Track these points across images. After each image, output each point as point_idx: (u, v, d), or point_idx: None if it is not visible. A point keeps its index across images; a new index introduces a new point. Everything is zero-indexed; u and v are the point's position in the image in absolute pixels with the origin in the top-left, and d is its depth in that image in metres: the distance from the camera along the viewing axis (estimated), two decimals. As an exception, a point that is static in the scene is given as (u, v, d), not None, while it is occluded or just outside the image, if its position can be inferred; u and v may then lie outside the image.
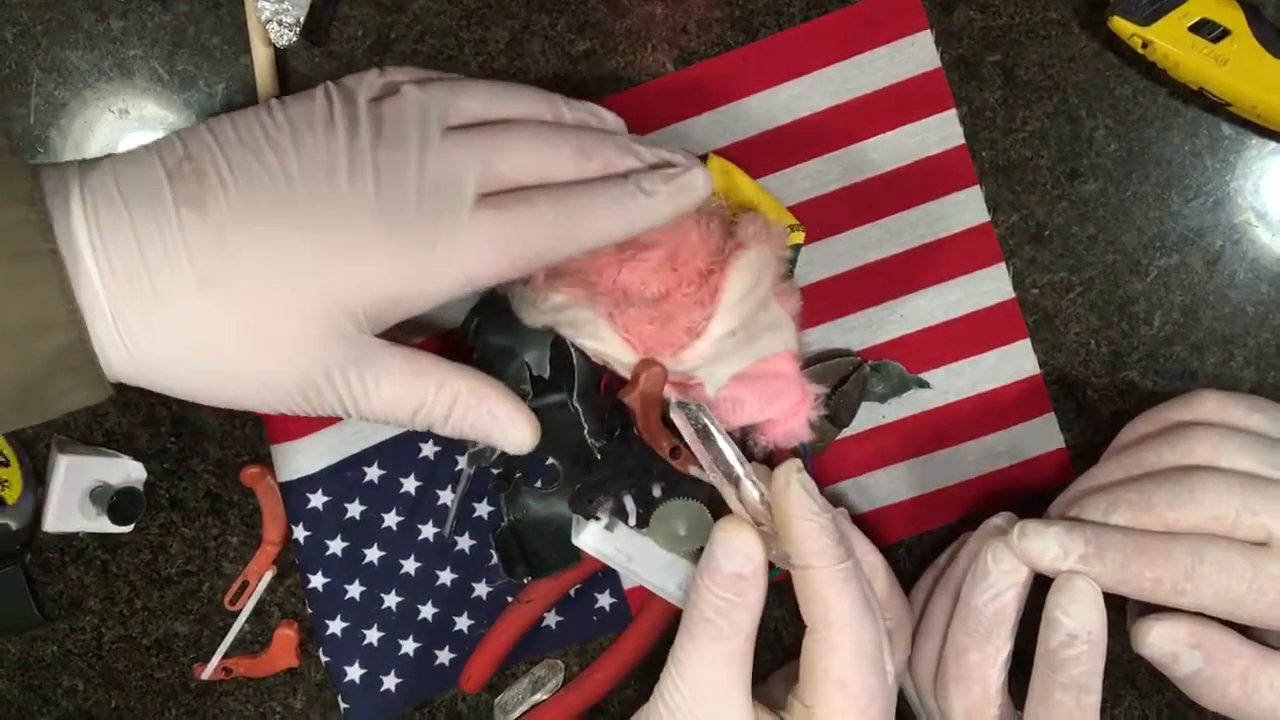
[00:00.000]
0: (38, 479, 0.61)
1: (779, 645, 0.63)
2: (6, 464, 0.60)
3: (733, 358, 0.53)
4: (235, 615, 0.63)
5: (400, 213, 0.43)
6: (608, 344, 0.52)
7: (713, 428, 0.51)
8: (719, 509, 0.56)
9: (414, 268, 0.43)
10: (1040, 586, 0.50)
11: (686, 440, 0.52)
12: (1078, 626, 0.48)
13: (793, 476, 0.50)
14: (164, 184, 0.43)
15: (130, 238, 0.42)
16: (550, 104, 0.49)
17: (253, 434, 0.62)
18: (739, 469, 0.51)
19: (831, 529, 0.49)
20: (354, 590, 0.62)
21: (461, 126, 0.46)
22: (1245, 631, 0.50)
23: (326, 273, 0.43)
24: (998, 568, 0.51)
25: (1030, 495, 0.61)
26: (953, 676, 0.52)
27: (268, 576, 0.63)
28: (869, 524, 0.62)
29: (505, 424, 0.48)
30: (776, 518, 0.50)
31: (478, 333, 0.57)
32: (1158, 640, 0.49)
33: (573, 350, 0.55)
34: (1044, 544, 0.49)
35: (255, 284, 0.42)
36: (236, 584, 0.63)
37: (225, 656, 0.63)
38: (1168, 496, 0.49)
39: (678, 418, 0.52)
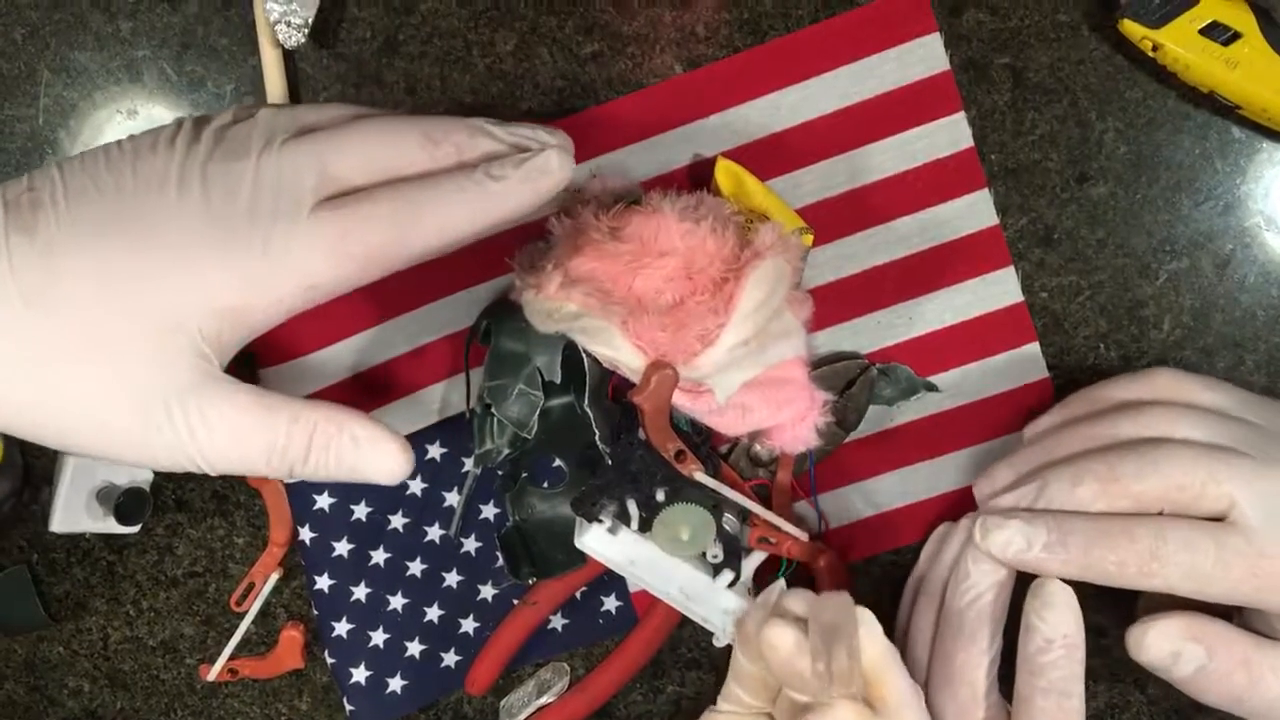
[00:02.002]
0: (20, 446, 0.61)
1: (785, 649, 0.63)
2: None
3: (744, 366, 0.53)
4: (241, 617, 0.63)
5: (231, 221, 0.41)
6: (620, 351, 0.52)
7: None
8: (722, 515, 0.56)
9: (247, 276, 0.41)
10: (1024, 586, 0.50)
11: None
12: (1053, 631, 0.48)
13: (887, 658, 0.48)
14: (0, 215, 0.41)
15: None
16: (466, 130, 0.45)
17: (259, 435, 0.62)
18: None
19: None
20: (360, 592, 0.62)
21: (309, 131, 0.44)
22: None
23: (155, 286, 0.41)
24: (977, 569, 0.51)
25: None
26: (941, 679, 0.52)
27: (274, 578, 0.63)
28: (877, 528, 0.61)
29: (371, 450, 0.44)
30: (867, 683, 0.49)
31: (489, 338, 0.58)
32: (1155, 641, 0.48)
33: (584, 356, 0.55)
34: (1007, 536, 0.49)
35: (82, 298, 0.40)
36: (243, 585, 0.63)
37: (231, 658, 0.63)
38: (1134, 467, 0.48)
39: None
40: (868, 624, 0.47)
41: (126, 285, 0.41)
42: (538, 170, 0.43)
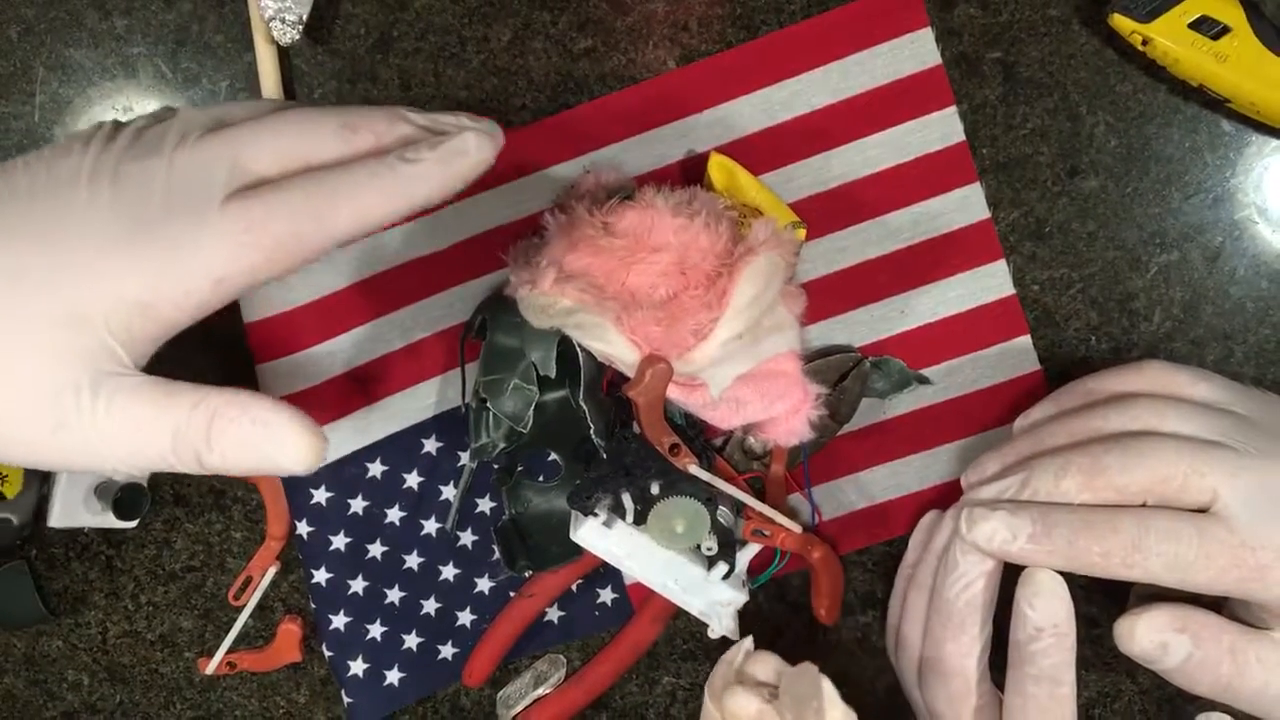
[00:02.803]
0: (41, 475, 0.62)
1: (779, 642, 0.64)
2: None
3: (738, 359, 0.53)
4: (239, 610, 0.63)
5: (141, 216, 0.41)
6: (614, 345, 0.52)
7: None
8: (716, 508, 0.57)
9: (154, 269, 0.40)
10: (1014, 574, 0.51)
11: None
12: (1043, 620, 0.48)
13: None
14: None
15: None
16: (385, 118, 0.44)
17: (256, 430, 0.62)
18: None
19: None
20: (357, 585, 0.62)
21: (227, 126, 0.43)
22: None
23: (60, 280, 0.40)
24: (966, 559, 0.51)
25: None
26: (933, 669, 0.53)
27: (271, 572, 0.63)
28: (871, 520, 0.62)
29: (279, 432, 0.41)
30: None
31: (484, 333, 0.58)
32: (1144, 633, 0.49)
33: (579, 350, 0.56)
34: (992, 527, 0.49)
35: None
36: (240, 579, 0.63)
37: (229, 651, 0.64)
38: (1118, 460, 0.49)
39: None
40: (829, 695, 0.49)
41: (32, 282, 0.40)
42: (454, 152, 0.42)
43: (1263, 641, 0.49)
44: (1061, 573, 0.49)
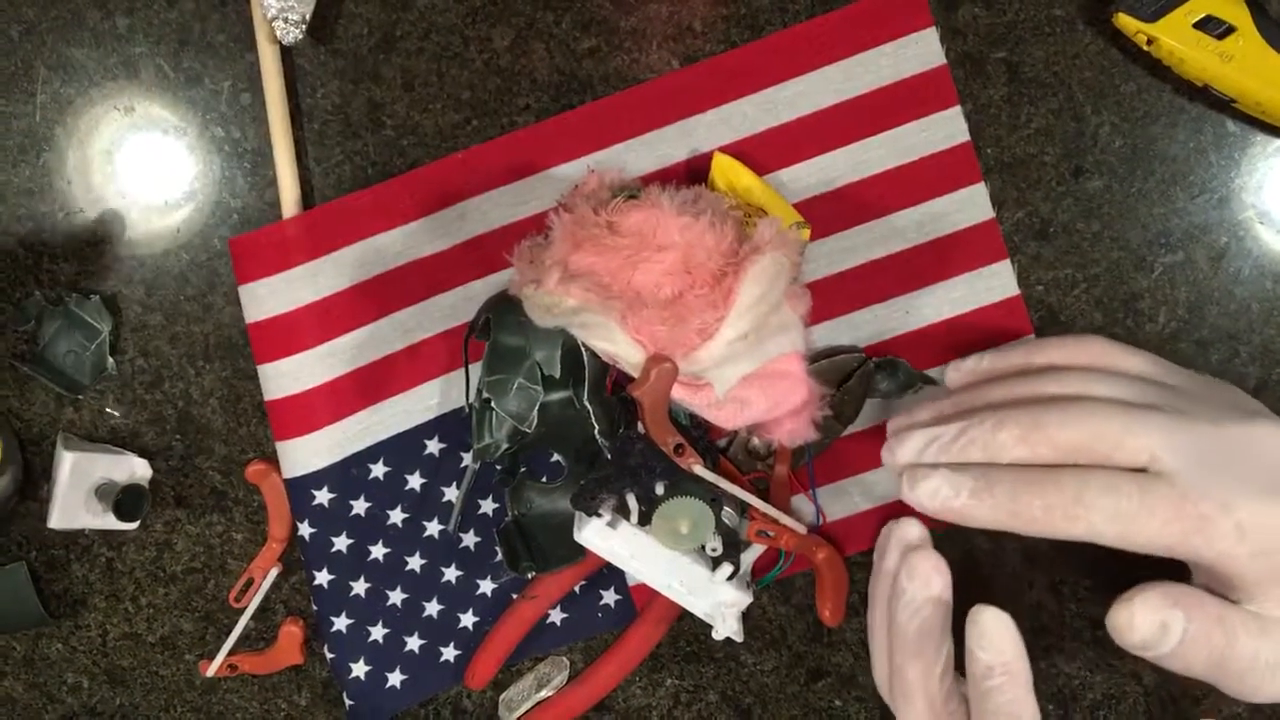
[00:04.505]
0: (26, 462, 0.61)
1: (783, 643, 0.63)
2: None
3: (743, 359, 0.53)
4: (240, 612, 0.63)
5: None
6: (619, 345, 0.52)
7: None
8: (720, 508, 0.56)
9: None
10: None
11: None
12: (992, 659, 0.48)
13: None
14: None
15: None
16: None
17: (258, 431, 0.62)
18: None
19: None
20: (359, 587, 0.62)
21: None
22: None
23: None
24: (912, 585, 0.51)
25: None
26: (899, 692, 0.52)
27: (273, 573, 0.63)
28: (875, 521, 0.62)
29: None
30: None
31: (488, 333, 0.58)
32: (1143, 616, 0.47)
33: (584, 350, 0.55)
34: (934, 484, 0.48)
35: None
36: (241, 581, 0.63)
37: (230, 653, 0.63)
38: (1055, 417, 0.48)
39: None
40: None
41: None
42: None
43: (1240, 611, 0.48)
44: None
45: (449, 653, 0.63)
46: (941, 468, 0.49)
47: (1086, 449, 0.48)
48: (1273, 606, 0.48)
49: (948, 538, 0.62)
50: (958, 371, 0.57)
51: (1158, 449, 0.47)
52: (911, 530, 0.54)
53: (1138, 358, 0.53)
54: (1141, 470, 0.48)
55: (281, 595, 0.64)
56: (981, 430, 0.49)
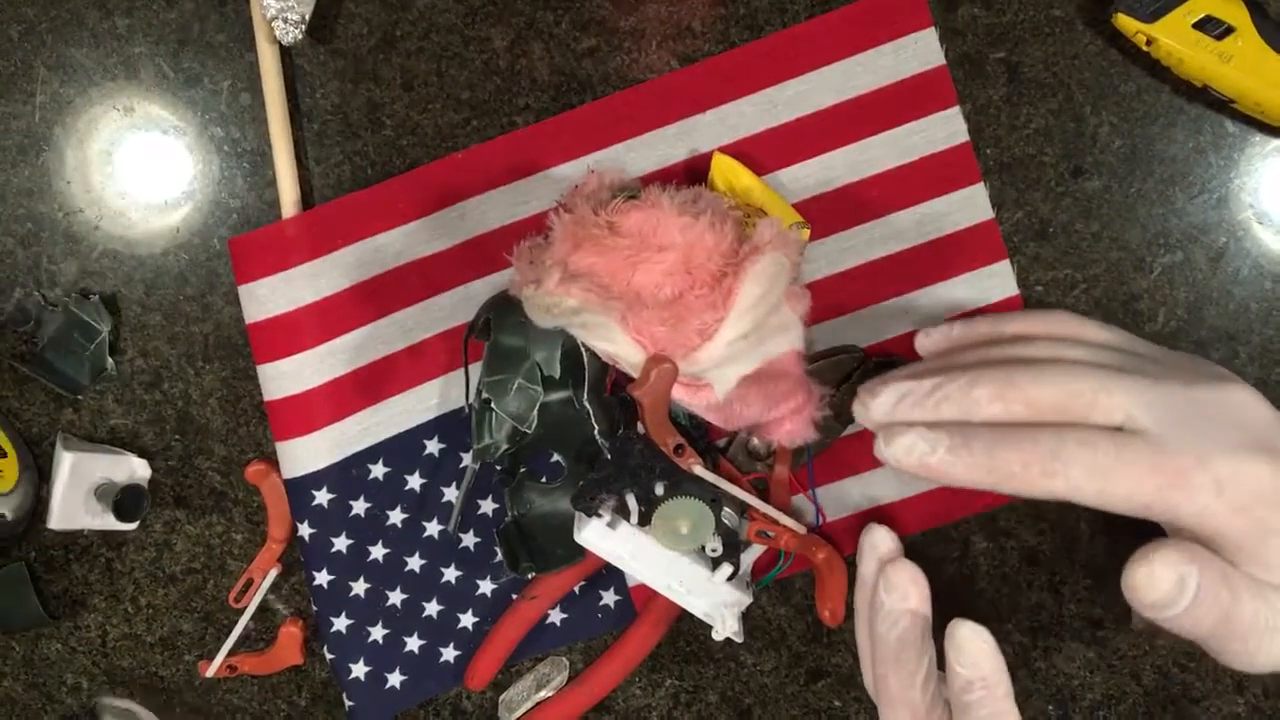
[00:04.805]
0: (40, 475, 0.62)
1: (783, 644, 0.63)
2: (3, 454, 0.60)
3: (742, 360, 0.53)
4: (240, 613, 0.63)
5: None
6: (619, 345, 0.52)
7: None
8: (720, 509, 0.56)
9: None
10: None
11: None
12: (970, 674, 0.48)
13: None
14: None
15: None
16: None
17: (257, 431, 0.62)
18: None
19: None
20: (359, 587, 0.62)
21: None
22: None
23: None
24: (889, 598, 0.51)
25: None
26: (883, 701, 0.52)
27: (272, 574, 0.63)
28: (874, 521, 0.61)
29: None
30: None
31: (488, 333, 0.58)
32: (1162, 572, 0.46)
33: (583, 350, 0.55)
34: (910, 440, 0.48)
35: None
36: (241, 581, 0.63)
37: (230, 654, 0.63)
38: (1029, 375, 0.48)
39: None
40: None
41: None
42: None
43: (1238, 570, 0.47)
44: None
45: (449, 653, 0.63)
46: (917, 425, 0.48)
47: (1061, 407, 0.48)
48: (1259, 570, 0.47)
49: (945, 538, 0.62)
50: (928, 337, 0.57)
51: (1132, 408, 0.47)
52: (881, 538, 0.53)
53: (1106, 330, 0.53)
54: (1117, 429, 0.47)
55: (281, 595, 0.64)
56: (956, 386, 0.49)
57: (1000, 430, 0.48)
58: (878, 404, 0.50)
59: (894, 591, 0.50)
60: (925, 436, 0.48)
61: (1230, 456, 0.46)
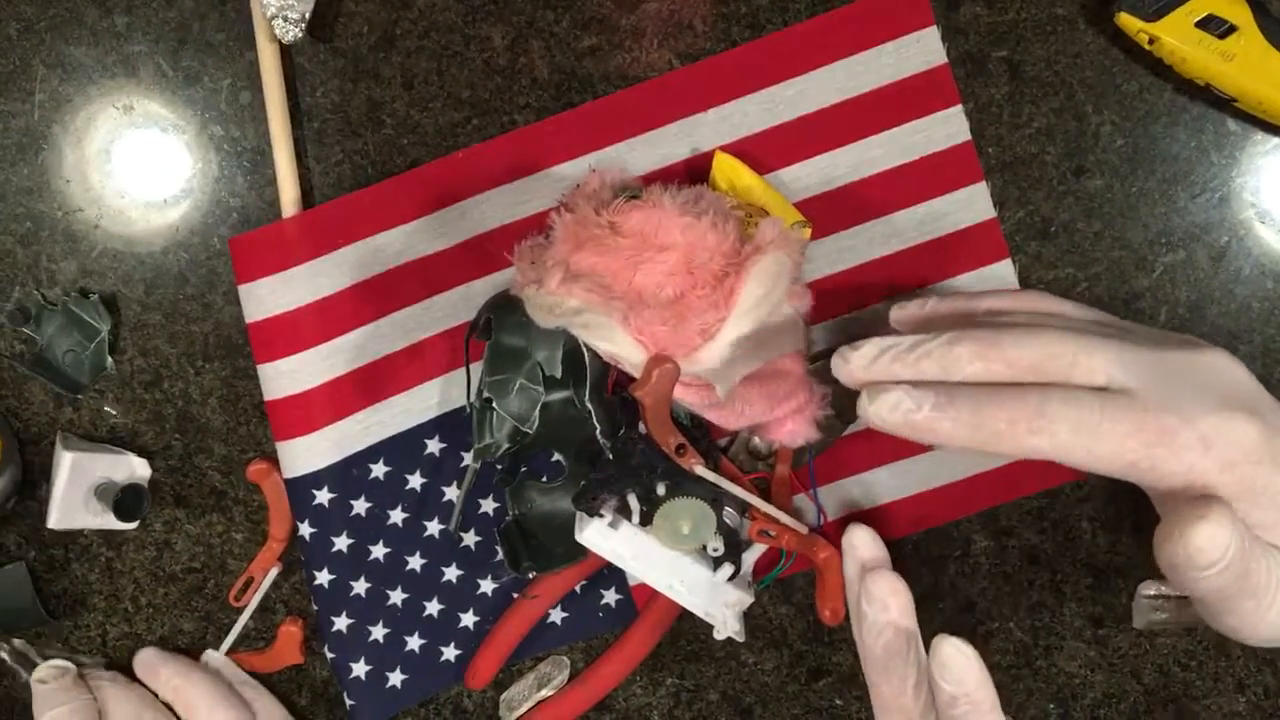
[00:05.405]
0: (23, 458, 0.61)
1: (784, 643, 0.63)
2: None
3: (744, 360, 0.53)
4: (240, 612, 0.63)
5: None
6: (621, 345, 0.52)
7: None
8: (722, 509, 0.56)
9: None
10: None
11: None
12: (955, 690, 0.47)
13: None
14: None
15: None
16: None
17: (258, 431, 0.62)
18: None
19: None
20: (359, 587, 0.62)
21: None
22: None
23: None
24: (871, 609, 0.50)
25: (1035, 490, 0.61)
26: (878, 710, 0.52)
27: (273, 573, 0.63)
28: (875, 521, 0.61)
29: None
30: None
31: (489, 333, 0.58)
32: (1220, 523, 0.44)
33: (585, 350, 0.55)
34: (895, 397, 0.47)
35: None
36: (241, 580, 0.63)
37: (230, 652, 0.63)
38: (1010, 336, 0.48)
39: None
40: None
41: None
42: None
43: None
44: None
45: (449, 652, 0.63)
46: (903, 383, 0.48)
47: (1041, 368, 0.47)
48: (1249, 529, 0.47)
49: (947, 536, 0.62)
50: (902, 310, 0.56)
51: (1113, 369, 0.47)
52: (858, 539, 0.53)
53: (1083, 309, 0.53)
54: (1100, 390, 0.47)
55: (281, 595, 0.64)
56: (937, 343, 0.48)
57: (985, 388, 0.47)
58: (858, 356, 0.50)
59: (874, 603, 0.50)
60: (911, 394, 0.47)
61: (1214, 414, 0.46)
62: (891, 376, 0.49)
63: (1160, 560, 0.46)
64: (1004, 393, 0.47)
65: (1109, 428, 0.46)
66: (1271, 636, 0.47)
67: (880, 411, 0.48)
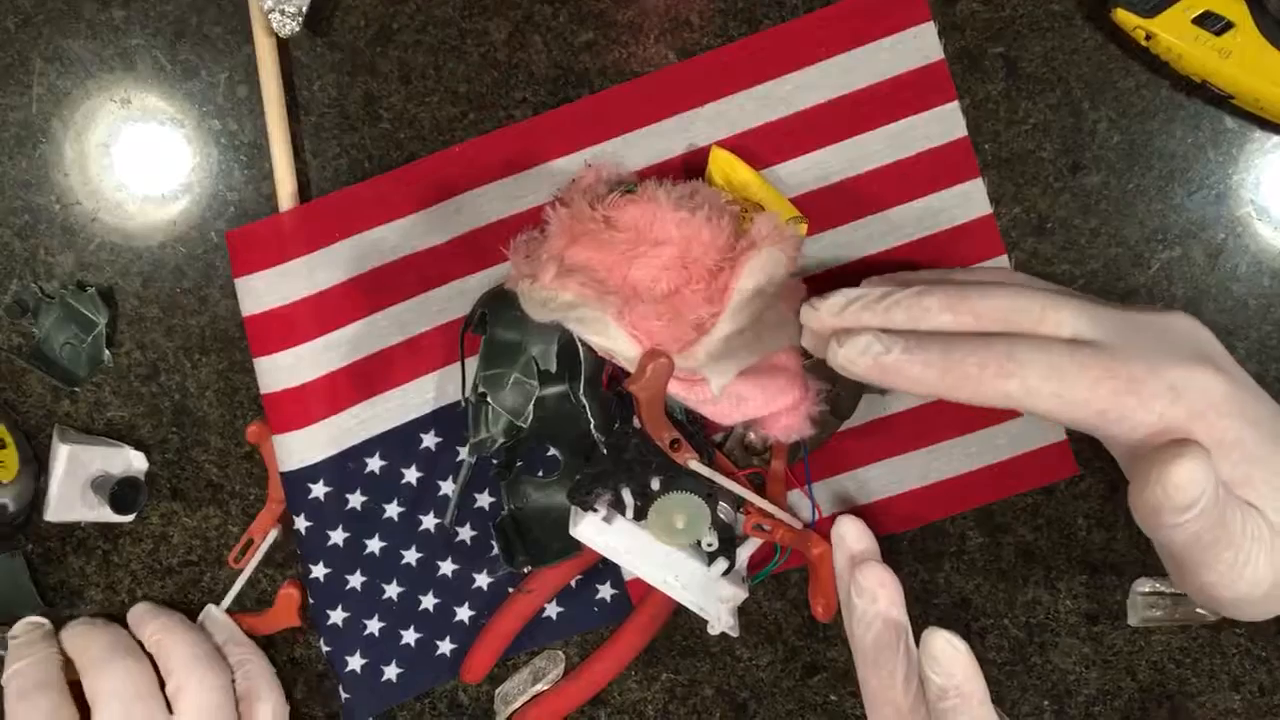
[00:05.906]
0: (39, 464, 0.62)
1: (778, 638, 0.63)
2: (3, 445, 0.60)
3: (739, 355, 0.53)
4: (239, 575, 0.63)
5: None
6: (615, 340, 0.52)
7: None
8: (716, 504, 0.56)
9: None
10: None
11: None
12: (945, 682, 0.47)
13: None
14: None
15: None
16: None
17: (254, 424, 0.62)
18: None
19: None
20: (355, 580, 0.62)
21: None
22: None
23: None
24: (860, 601, 0.50)
25: (1030, 486, 0.61)
26: (868, 703, 0.52)
27: (273, 534, 0.62)
28: (870, 517, 0.61)
29: None
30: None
31: (484, 327, 0.58)
32: (1197, 461, 0.44)
33: (580, 345, 0.55)
34: (864, 341, 0.47)
35: None
36: (241, 542, 0.63)
37: (228, 613, 0.63)
38: (979, 290, 0.48)
39: None
40: None
41: None
42: None
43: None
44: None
45: (445, 646, 0.64)
46: (872, 328, 0.48)
47: (1009, 320, 0.47)
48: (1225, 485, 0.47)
49: (941, 532, 0.62)
50: (871, 280, 0.56)
51: (1080, 323, 0.47)
52: (847, 530, 0.53)
53: (1051, 284, 0.53)
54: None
55: (281, 557, 0.64)
56: (906, 294, 0.49)
57: (955, 335, 0.47)
58: (827, 305, 0.50)
59: (864, 595, 0.50)
60: (880, 338, 0.47)
61: (1180, 366, 0.46)
62: (860, 325, 0.49)
63: (1137, 510, 0.46)
64: (973, 339, 0.47)
65: (1078, 373, 0.46)
66: (1247, 594, 0.47)
67: (850, 354, 0.47)
